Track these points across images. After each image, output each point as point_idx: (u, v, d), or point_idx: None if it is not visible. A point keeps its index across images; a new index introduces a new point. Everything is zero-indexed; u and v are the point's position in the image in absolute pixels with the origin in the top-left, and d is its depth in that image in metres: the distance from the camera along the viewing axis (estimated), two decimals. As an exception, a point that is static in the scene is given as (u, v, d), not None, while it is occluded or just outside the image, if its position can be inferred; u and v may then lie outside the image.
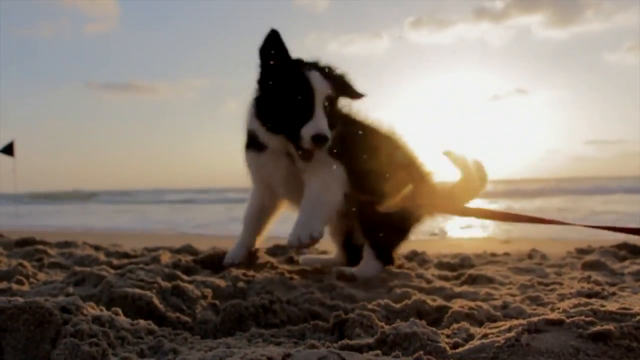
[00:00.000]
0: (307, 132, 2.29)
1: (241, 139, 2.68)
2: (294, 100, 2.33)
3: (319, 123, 2.29)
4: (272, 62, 2.40)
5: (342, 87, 2.49)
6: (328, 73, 2.44)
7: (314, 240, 2.36)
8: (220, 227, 9.34)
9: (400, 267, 2.80)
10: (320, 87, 2.35)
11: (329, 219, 2.56)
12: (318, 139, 2.28)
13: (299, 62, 2.44)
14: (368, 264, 2.62)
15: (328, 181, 2.49)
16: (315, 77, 2.36)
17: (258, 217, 2.84)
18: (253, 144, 2.59)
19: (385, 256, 2.67)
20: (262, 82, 2.47)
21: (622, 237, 3.70)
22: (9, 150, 12.69)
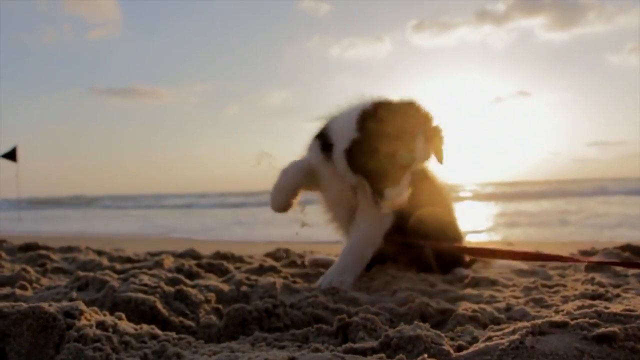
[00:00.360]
0: (390, 195, 2.42)
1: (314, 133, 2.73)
2: (385, 162, 2.41)
3: (403, 193, 2.43)
4: (375, 116, 2.42)
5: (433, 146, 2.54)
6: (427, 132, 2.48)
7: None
8: (223, 232, 9.35)
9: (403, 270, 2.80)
10: (420, 156, 2.44)
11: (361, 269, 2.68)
12: (399, 200, 2.44)
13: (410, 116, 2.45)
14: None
15: (374, 228, 2.66)
16: (420, 144, 2.42)
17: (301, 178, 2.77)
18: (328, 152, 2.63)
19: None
20: (360, 130, 2.45)
21: (625, 239, 3.70)
22: (11, 155, 12.73)
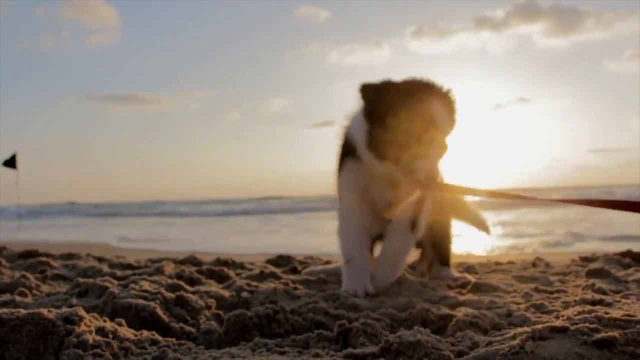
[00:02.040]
0: (421, 166, 2.31)
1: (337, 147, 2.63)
2: (409, 133, 2.30)
3: (434, 164, 2.34)
4: (383, 93, 2.36)
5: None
6: (449, 103, 2.42)
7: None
8: (223, 239, 9.35)
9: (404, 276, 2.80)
10: (442, 123, 2.33)
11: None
12: (432, 178, 2.35)
13: (418, 87, 2.38)
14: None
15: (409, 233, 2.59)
16: (439, 111, 2.33)
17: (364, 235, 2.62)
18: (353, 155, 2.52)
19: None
20: (369, 112, 2.38)
21: (626, 246, 3.69)
22: (11, 163, 12.74)
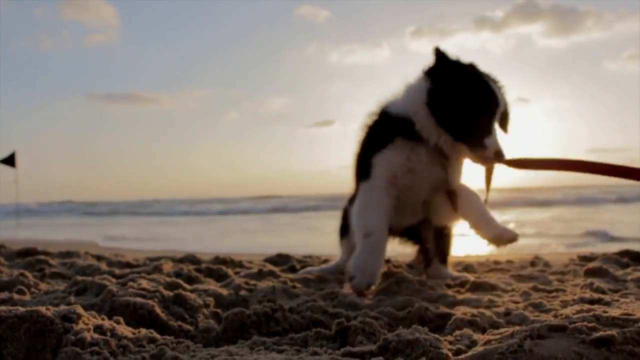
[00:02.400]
0: (491, 144, 2.34)
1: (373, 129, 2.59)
2: (481, 110, 2.35)
3: (499, 139, 2.38)
4: (453, 64, 2.40)
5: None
6: (503, 91, 2.48)
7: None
8: (221, 238, 9.35)
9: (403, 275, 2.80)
10: (502, 104, 2.41)
11: None
12: (500, 154, 2.36)
13: (480, 71, 2.44)
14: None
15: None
16: (500, 92, 2.41)
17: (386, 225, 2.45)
18: (407, 135, 2.45)
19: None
20: (441, 81, 2.40)
21: (624, 245, 3.70)
22: (10, 161, 12.74)
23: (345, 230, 3.06)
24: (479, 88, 2.36)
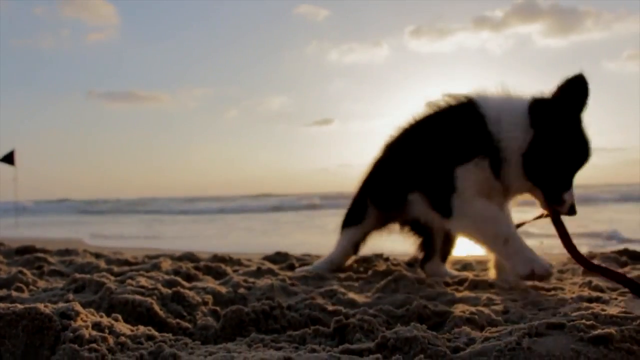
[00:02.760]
0: (569, 199, 2.26)
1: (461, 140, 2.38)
2: (576, 166, 2.26)
3: (573, 196, 2.29)
4: (569, 113, 2.23)
5: None
6: None
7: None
8: (219, 237, 9.34)
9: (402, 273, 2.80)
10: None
11: None
12: (573, 210, 2.29)
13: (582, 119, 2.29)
14: None
15: None
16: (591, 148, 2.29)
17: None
18: (489, 156, 2.32)
19: None
20: (547, 128, 2.23)
21: (623, 244, 3.70)
22: (9, 159, 12.72)
23: (354, 220, 3.04)
24: (581, 142, 2.24)
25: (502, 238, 2.26)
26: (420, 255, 3.06)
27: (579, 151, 2.25)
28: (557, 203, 2.28)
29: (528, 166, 2.25)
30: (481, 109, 2.35)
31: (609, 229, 7.65)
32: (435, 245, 2.97)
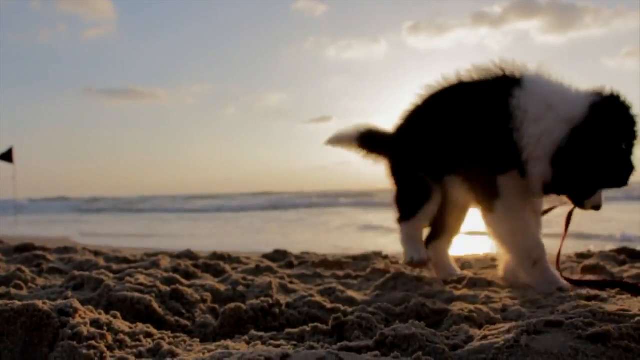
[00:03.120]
0: (591, 203, 2.21)
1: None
2: (605, 176, 2.13)
3: (602, 198, 2.23)
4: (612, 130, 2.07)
5: None
6: None
7: None
8: (219, 235, 9.34)
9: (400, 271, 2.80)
10: None
11: None
12: (598, 207, 2.24)
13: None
14: None
15: None
16: None
17: None
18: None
19: None
20: (590, 138, 2.06)
21: (621, 243, 3.70)
22: (8, 156, 12.70)
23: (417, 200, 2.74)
24: (623, 158, 2.12)
25: (533, 260, 2.29)
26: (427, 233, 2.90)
27: (619, 167, 2.14)
28: (584, 204, 2.24)
29: (556, 173, 2.14)
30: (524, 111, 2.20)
31: (609, 228, 7.68)
32: (446, 224, 2.84)
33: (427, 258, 2.67)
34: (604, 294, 2.07)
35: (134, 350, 1.44)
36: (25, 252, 3.64)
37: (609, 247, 3.75)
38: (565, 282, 2.26)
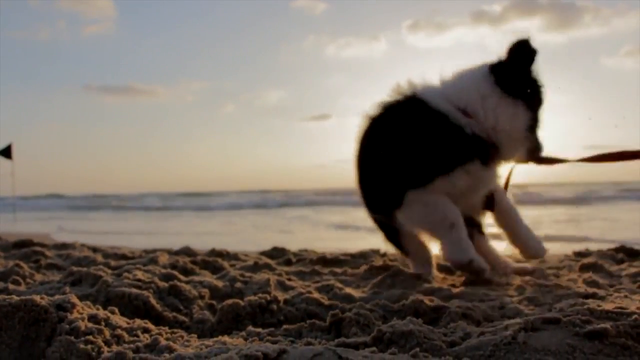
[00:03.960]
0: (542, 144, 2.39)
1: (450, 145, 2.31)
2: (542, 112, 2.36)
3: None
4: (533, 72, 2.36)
5: None
6: None
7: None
8: (217, 233, 9.33)
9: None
10: None
11: None
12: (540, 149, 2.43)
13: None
14: None
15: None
16: None
17: None
18: (483, 155, 2.32)
19: None
20: (523, 85, 2.34)
21: (619, 241, 3.71)
22: (7, 153, 12.68)
23: None
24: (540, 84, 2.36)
25: (449, 222, 2.33)
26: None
27: (542, 92, 2.35)
28: (539, 148, 2.40)
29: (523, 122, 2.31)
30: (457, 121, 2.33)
31: (607, 227, 7.68)
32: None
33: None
34: (601, 292, 2.08)
35: (132, 346, 1.44)
36: (24, 247, 3.64)
37: (607, 246, 3.75)
38: (478, 257, 2.33)
